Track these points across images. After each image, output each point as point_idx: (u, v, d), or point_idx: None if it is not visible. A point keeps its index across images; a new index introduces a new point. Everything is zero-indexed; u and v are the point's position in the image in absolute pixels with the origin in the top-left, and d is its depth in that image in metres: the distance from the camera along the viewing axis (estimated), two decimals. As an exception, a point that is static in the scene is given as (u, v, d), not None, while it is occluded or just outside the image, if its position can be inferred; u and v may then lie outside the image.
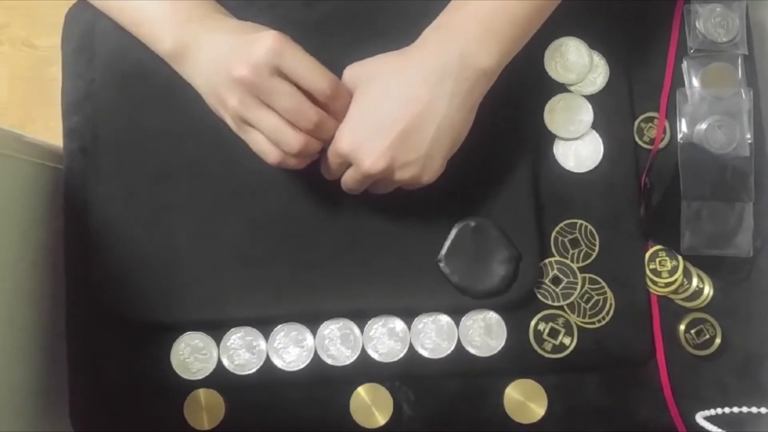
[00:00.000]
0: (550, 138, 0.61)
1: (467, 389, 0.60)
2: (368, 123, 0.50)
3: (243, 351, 0.59)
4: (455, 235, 0.58)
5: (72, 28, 0.65)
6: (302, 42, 0.60)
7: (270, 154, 0.52)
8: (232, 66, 0.49)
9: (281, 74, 0.49)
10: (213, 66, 0.52)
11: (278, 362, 0.59)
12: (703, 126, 0.61)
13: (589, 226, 0.60)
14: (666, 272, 0.60)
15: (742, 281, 0.61)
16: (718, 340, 0.59)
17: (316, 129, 0.50)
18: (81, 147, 0.63)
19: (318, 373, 0.59)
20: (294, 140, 0.50)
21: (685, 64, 0.63)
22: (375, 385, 0.59)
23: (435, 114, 0.49)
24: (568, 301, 0.59)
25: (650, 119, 0.62)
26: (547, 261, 0.60)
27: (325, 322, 0.59)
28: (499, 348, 0.59)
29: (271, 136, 0.51)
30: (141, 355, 0.60)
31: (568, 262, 0.60)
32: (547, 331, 0.59)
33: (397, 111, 0.49)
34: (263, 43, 0.49)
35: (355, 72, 0.53)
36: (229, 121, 0.53)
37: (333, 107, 0.51)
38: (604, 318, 0.59)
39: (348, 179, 0.54)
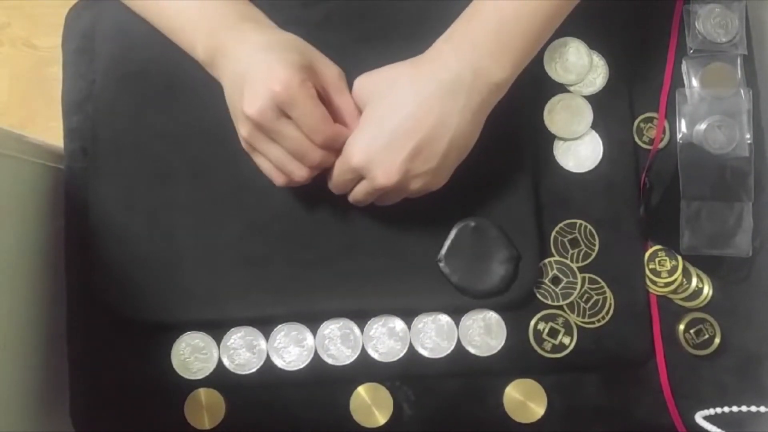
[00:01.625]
0: (549, 138, 0.61)
1: (467, 389, 0.60)
2: (381, 136, 0.50)
3: (243, 350, 0.59)
4: (455, 235, 0.58)
5: (73, 29, 0.65)
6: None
7: (277, 178, 0.54)
8: (243, 100, 0.50)
9: (287, 115, 0.50)
10: (233, 82, 0.52)
11: (278, 362, 0.59)
12: (703, 126, 0.61)
13: (589, 226, 0.60)
14: (665, 272, 0.60)
15: (741, 281, 0.61)
16: (717, 340, 0.59)
17: (320, 166, 0.52)
18: (81, 147, 0.63)
19: (318, 372, 0.59)
20: (299, 172, 0.52)
21: (684, 65, 0.63)
22: (375, 384, 0.59)
23: (447, 127, 0.50)
24: (567, 301, 0.59)
25: (650, 119, 0.62)
26: (546, 261, 0.60)
27: (325, 322, 0.59)
28: (499, 348, 0.59)
29: (278, 166, 0.53)
30: (141, 355, 0.60)
31: (567, 261, 0.60)
32: (546, 330, 0.59)
33: (410, 124, 0.49)
34: (272, 87, 0.48)
35: (365, 84, 0.53)
36: (239, 134, 0.54)
37: (330, 150, 0.52)
38: (603, 318, 0.59)
39: (359, 192, 0.54)
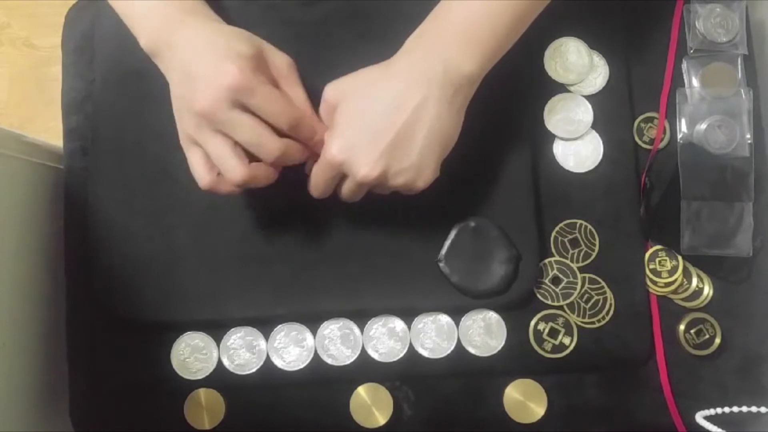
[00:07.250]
0: (550, 138, 0.61)
1: (467, 389, 0.60)
2: (359, 132, 0.50)
3: (243, 351, 0.59)
4: (455, 235, 0.58)
5: (72, 29, 0.65)
6: (301, 42, 0.60)
7: (203, 179, 0.52)
8: (195, 96, 0.49)
9: (242, 107, 0.49)
10: (181, 78, 0.51)
11: (278, 362, 0.59)
12: (703, 126, 0.61)
13: (589, 226, 0.60)
14: (666, 272, 0.60)
15: (741, 281, 0.61)
16: (717, 340, 0.59)
17: (280, 159, 0.50)
18: (81, 147, 0.63)
19: (318, 372, 0.59)
20: (238, 168, 0.50)
21: (684, 64, 0.63)
22: (375, 384, 0.59)
23: (424, 119, 0.50)
24: (567, 301, 0.59)
25: (650, 119, 0.62)
26: (546, 261, 0.60)
27: (325, 322, 0.59)
28: (499, 348, 0.59)
29: (217, 160, 0.50)
30: (141, 355, 0.60)
31: (567, 261, 0.60)
32: (546, 330, 0.59)
33: (388, 118, 0.50)
34: (224, 81, 0.48)
35: (337, 87, 0.53)
36: (179, 131, 0.53)
37: (297, 135, 0.51)
38: (603, 318, 0.59)
39: (345, 190, 0.54)
